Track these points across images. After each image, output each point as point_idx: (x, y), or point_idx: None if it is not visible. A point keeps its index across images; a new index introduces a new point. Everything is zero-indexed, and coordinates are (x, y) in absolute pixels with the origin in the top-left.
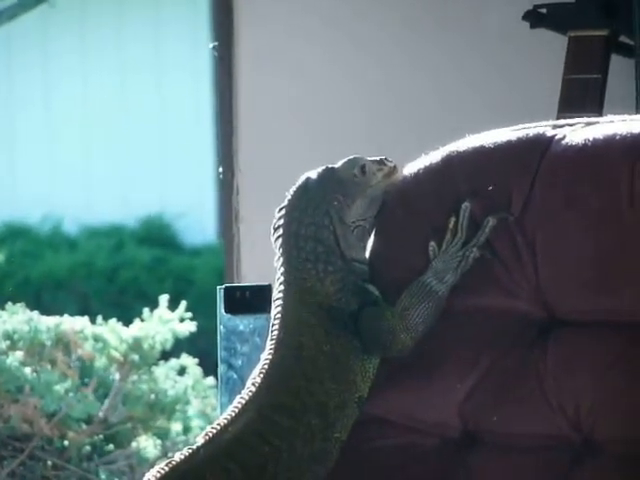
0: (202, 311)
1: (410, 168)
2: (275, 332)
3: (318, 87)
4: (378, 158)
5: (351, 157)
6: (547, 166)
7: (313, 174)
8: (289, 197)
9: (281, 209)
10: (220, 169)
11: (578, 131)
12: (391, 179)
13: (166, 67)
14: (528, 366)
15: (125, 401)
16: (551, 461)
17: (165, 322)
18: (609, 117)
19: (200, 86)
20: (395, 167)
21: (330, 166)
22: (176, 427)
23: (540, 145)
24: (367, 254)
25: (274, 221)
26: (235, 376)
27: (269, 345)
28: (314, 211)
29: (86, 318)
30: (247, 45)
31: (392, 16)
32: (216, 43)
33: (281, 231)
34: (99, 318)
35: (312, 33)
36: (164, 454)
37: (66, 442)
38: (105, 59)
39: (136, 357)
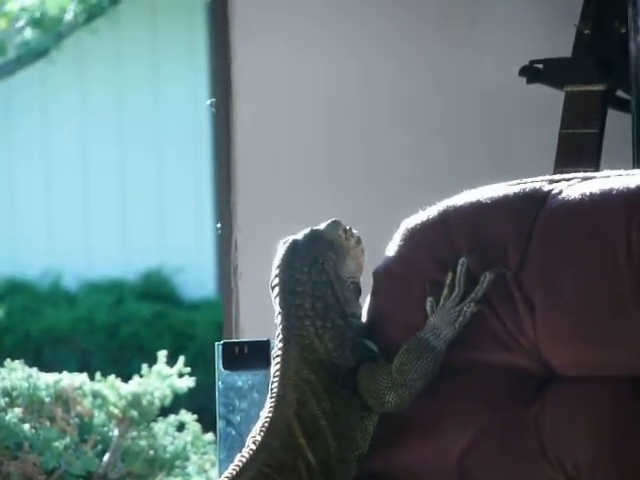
0: (202, 366)
1: (407, 223)
2: (275, 389)
3: (318, 142)
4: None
5: (333, 220)
6: (543, 221)
7: (299, 236)
8: (281, 257)
9: (276, 268)
10: (219, 224)
11: (575, 186)
12: (360, 247)
13: (165, 124)
14: (527, 421)
15: (124, 457)
16: None
17: (164, 378)
18: (606, 172)
19: (198, 141)
20: (359, 239)
21: (315, 228)
22: None
23: (537, 200)
24: (364, 310)
25: (271, 279)
26: (234, 432)
27: (269, 402)
28: (310, 268)
29: (85, 374)
30: (246, 101)
31: (390, 69)
32: (214, 99)
33: (278, 289)
34: (98, 374)
35: (312, 90)
36: None
37: None
38: (104, 115)
39: (135, 413)
